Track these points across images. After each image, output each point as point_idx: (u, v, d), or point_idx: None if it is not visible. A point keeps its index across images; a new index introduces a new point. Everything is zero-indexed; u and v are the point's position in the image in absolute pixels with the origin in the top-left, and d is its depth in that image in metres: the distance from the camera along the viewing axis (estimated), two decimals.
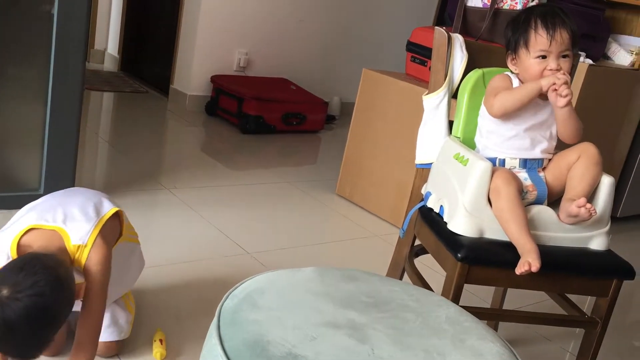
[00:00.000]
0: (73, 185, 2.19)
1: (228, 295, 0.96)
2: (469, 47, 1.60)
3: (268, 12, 3.95)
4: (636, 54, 2.95)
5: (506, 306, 1.98)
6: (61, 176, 2.15)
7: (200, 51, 3.79)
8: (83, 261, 1.24)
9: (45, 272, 1.09)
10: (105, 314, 1.31)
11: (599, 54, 2.92)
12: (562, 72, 1.34)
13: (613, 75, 2.85)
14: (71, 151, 2.15)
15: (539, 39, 1.35)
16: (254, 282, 1.01)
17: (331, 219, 2.70)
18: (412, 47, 2.80)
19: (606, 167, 3.25)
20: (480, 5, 2.65)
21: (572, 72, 1.67)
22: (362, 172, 2.80)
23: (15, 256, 1.21)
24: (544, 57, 1.36)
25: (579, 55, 1.68)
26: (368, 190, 2.77)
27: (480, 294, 2.08)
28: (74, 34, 2.02)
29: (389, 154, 2.68)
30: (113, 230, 1.35)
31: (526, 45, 1.37)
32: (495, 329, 1.85)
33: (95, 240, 1.25)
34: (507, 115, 1.39)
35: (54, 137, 2.10)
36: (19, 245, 1.22)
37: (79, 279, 1.24)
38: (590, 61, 2.72)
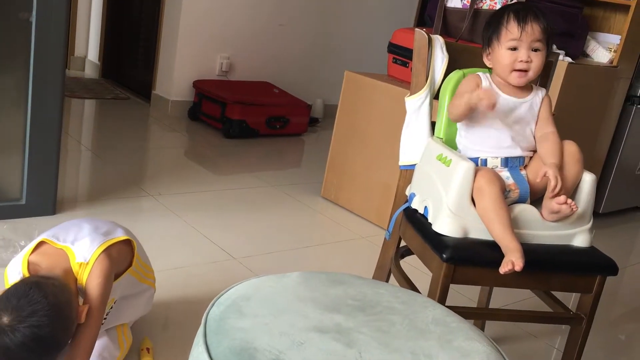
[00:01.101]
0: (56, 194, 2.17)
1: (214, 303, 0.96)
2: (449, 48, 1.61)
3: (249, 16, 3.94)
4: (614, 51, 2.99)
5: (493, 304, 1.99)
6: (43, 185, 2.13)
7: (182, 56, 3.78)
8: (84, 279, 1.25)
9: (45, 302, 1.10)
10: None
11: (578, 52, 2.95)
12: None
13: (592, 73, 2.89)
14: (53, 160, 2.13)
15: (510, 29, 1.38)
16: (239, 288, 1.01)
17: (317, 221, 2.70)
18: (393, 48, 2.81)
19: (587, 164, 3.29)
20: (459, 5, 2.67)
21: (551, 73, 1.69)
22: (347, 174, 2.80)
23: (25, 272, 1.24)
24: (515, 48, 1.38)
25: (558, 54, 1.69)
26: (353, 192, 2.77)
27: (467, 293, 2.09)
28: (53, 41, 2.00)
29: (374, 156, 2.68)
30: (120, 256, 1.34)
31: (498, 37, 1.40)
32: (482, 327, 1.86)
33: (97, 258, 1.26)
34: (464, 120, 1.43)
35: (35, 145, 2.08)
36: (29, 262, 1.24)
37: (82, 300, 1.25)
38: (569, 59, 2.75)
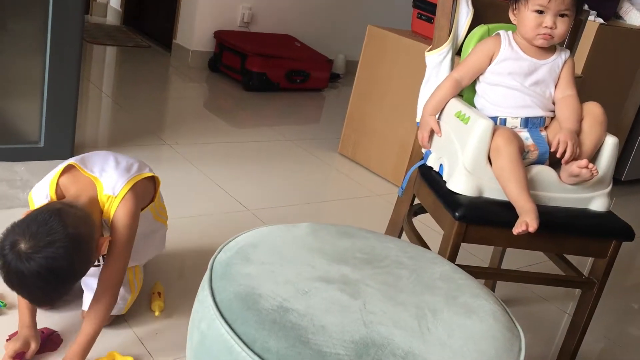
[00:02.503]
0: (73, 138, 2.19)
1: (221, 249, 0.96)
2: (475, 2, 1.56)
3: None
4: None
5: (505, 266, 1.98)
6: (61, 129, 2.14)
7: (204, 6, 3.72)
8: (112, 213, 1.25)
9: (64, 232, 1.08)
10: None
11: (611, 13, 2.84)
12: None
13: (624, 35, 2.79)
14: (71, 103, 2.14)
15: None
16: (247, 236, 1.01)
17: (333, 177, 2.69)
18: (418, 3, 2.73)
19: (612, 128, 3.21)
20: None
21: (579, 33, 1.63)
22: (365, 131, 2.77)
23: (53, 195, 1.23)
24: (541, 12, 1.33)
25: (588, 12, 1.63)
26: (370, 150, 2.75)
27: (479, 254, 2.08)
28: None
29: (393, 113, 2.65)
30: (145, 192, 1.35)
31: None
32: (493, 288, 1.85)
33: (125, 194, 1.25)
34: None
35: (54, 89, 2.08)
36: (57, 185, 1.24)
37: (105, 233, 1.25)
38: (601, 20, 2.66)
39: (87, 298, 1.36)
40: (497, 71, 1.39)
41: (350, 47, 4.24)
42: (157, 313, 1.47)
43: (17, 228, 1.08)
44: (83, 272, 1.17)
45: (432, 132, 1.47)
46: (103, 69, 3.70)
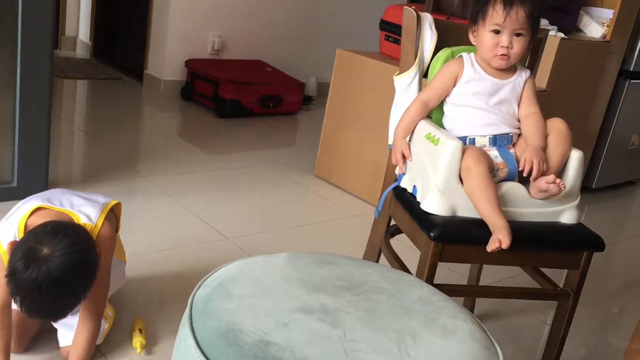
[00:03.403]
0: (47, 176, 2.18)
1: (200, 285, 0.97)
2: (438, 26, 1.60)
3: None
4: (607, 25, 2.97)
5: (484, 281, 2.01)
6: (34, 167, 2.12)
7: (173, 35, 3.74)
8: (94, 239, 1.28)
9: (78, 234, 1.17)
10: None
11: (571, 27, 2.93)
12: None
13: (585, 48, 2.87)
14: (44, 141, 2.13)
15: (495, 13, 1.37)
16: (226, 270, 1.02)
17: (310, 200, 2.71)
18: (385, 25, 2.79)
19: (580, 139, 3.28)
20: None
21: (539, 51, 1.68)
22: (340, 153, 2.80)
23: (21, 236, 1.24)
24: (498, 31, 1.38)
25: (547, 31, 1.68)
26: (346, 171, 2.78)
27: (458, 270, 2.11)
28: (40, 20, 1.98)
29: (366, 134, 2.68)
30: (112, 223, 1.37)
31: (483, 18, 1.39)
32: (473, 303, 1.88)
33: (103, 222, 1.30)
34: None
35: (25, 127, 2.07)
36: (26, 226, 1.24)
37: None
38: (562, 35, 2.74)
39: (63, 334, 1.38)
40: (462, 92, 1.43)
41: (322, 70, 4.29)
42: (139, 350, 1.46)
43: (29, 240, 1.13)
44: (96, 271, 1.20)
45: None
46: (75, 104, 3.69)
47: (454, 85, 1.44)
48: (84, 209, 1.29)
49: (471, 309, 1.87)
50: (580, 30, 3.04)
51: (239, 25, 3.98)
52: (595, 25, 2.99)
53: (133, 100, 3.76)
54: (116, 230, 1.41)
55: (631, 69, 3.15)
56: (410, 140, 1.52)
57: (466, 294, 1.41)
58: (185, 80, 3.81)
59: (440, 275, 1.82)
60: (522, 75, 1.45)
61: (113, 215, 1.39)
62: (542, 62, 2.68)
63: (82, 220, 1.27)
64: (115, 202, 1.37)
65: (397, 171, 1.58)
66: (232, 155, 3.08)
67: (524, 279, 1.68)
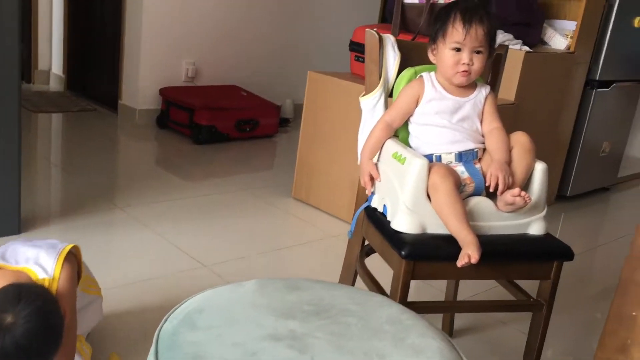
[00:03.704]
0: (19, 214, 2.16)
1: (166, 319, 0.96)
2: (401, 46, 1.63)
3: (212, 20, 3.93)
4: (571, 37, 3.04)
5: (462, 295, 2.02)
6: (6, 204, 2.11)
7: (146, 64, 3.75)
8: (54, 291, 1.27)
9: (40, 296, 1.15)
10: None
11: (536, 40, 3.00)
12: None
13: (550, 60, 2.93)
14: (14, 178, 2.11)
15: (455, 31, 1.40)
16: (193, 301, 1.02)
17: (288, 223, 2.71)
18: (354, 46, 2.82)
19: (552, 148, 3.34)
20: (416, 0, 2.69)
21: (501, 64, 1.71)
22: (316, 174, 2.82)
23: None
24: (458, 49, 1.41)
25: (507, 47, 1.72)
26: (323, 191, 2.79)
27: (436, 285, 2.12)
28: (5, 53, 1.97)
29: (341, 154, 2.70)
30: (73, 266, 1.36)
31: (444, 36, 1.42)
32: (452, 317, 1.89)
33: (61, 271, 1.28)
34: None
35: None
36: None
37: None
38: (527, 48, 2.80)
39: None
40: (425, 112, 1.46)
41: (298, 91, 4.31)
42: None
43: None
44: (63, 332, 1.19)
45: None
46: (49, 138, 3.67)
47: (417, 105, 1.46)
48: (40, 261, 1.28)
49: (450, 323, 1.88)
50: (545, 43, 3.10)
51: (212, 52, 4.00)
52: (559, 38, 3.06)
53: (108, 131, 3.76)
54: (79, 272, 1.40)
55: (597, 78, 3.22)
56: (378, 160, 1.54)
57: (439, 311, 1.43)
58: (160, 108, 3.81)
59: (419, 292, 1.83)
60: (482, 92, 1.48)
61: (73, 258, 1.38)
62: (509, 76, 2.74)
63: (39, 275, 1.26)
64: (71, 245, 1.36)
65: (367, 192, 1.60)
66: (209, 181, 3.08)
67: (501, 292, 1.70)
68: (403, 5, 2.72)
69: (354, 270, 1.74)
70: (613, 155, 3.57)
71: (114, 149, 3.52)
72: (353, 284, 1.73)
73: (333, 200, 2.75)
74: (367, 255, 1.67)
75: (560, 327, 2.05)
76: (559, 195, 3.40)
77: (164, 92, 3.76)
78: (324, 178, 2.78)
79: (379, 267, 1.67)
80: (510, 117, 2.71)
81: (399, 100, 1.49)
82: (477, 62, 1.42)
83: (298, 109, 4.30)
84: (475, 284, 2.14)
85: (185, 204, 2.69)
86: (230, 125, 3.69)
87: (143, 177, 2.99)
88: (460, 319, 1.99)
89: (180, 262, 2.15)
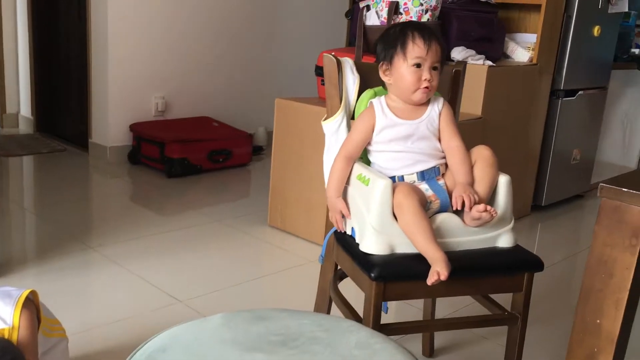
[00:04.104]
0: None
1: None
2: (359, 68, 1.64)
3: (179, 53, 3.94)
4: (532, 49, 3.09)
5: (442, 312, 2.01)
6: None
7: (115, 101, 3.74)
8: (15, 340, 1.24)
9: (8, 351, 1.13)
10: None
11: (498, 55, 3.04)
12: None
13: (513, 73, 2.98)
14: None
15: (417, 47, 1.41)
16: (156, 340, 0.99)
17: (264, 251, 2.69)
18: (320, 71, 2.84)
19: (523, 160, 3.36)
20: (378, 23, 2.73)
21: (460, 80, 1.73)
22: (290, 200, 2.80)
23: None
24: (419, 65, 1.42)
25: (464, 64, 1.74)
26: (298, 217, 2.78)
27: (417, 304, 2.10)
28: None
29: (314, 178, 2.69)
30: (32, 311, 1.32)
31: (404, 53, 1.42)
32: (432, 337, 1.87)
33: (20, 318, 1.25)
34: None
35: None
36: None
37: None
38: (490, 62, 2.84)
39: None
40: (379, 140, 1.46)
41: (269, 119, 4.28)
42: None
43: None
44: None
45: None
46: (21, 182, 3.61)
47: (372, 133, 1.46)
48: None
49: (431, 342, 1.87)
50: (508, 57, 3.15)
51: (181, 85, 4.00)
52: (522, 50, 3.11)
53: (80, 170, 3.71)
54: (38, 317, 1.36)
55: (562, 88, 3.27)
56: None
57: (413, 331, 1.41)
58: (132, 144, 3.79)
59: (399, 312, 1.82)
60: (436, 108, 1.48)
61: (31, 303, 1.34)
62: (474, 91, 2.77)
63: None
64: (28, 291, 1.32)
65: (339, 229, 1.58)
66: (183, 214, 3.05)
67: (480, 307, 1.69)
68: (365, 28, 2.75)
69: (329, 297, 1.72)
70: (584, 162, 3.62)
71: (86, 188, 3.47)
72: (329, 310, 1.71)
73: (309, 226, 2.73)
74: (341, 279, 1.66)
75: (540, 338, 2.05)
76: (535, 205, 3.43)
77: (134, 128, 3.74)
78: (298, 204, 2.77)
79: (355, 290, 1.65)
80: (478, 131, 2.74)
81: (354, 133, 1.49)
82: (435, 79, 1.43)
83: (271, 136, 4.29)
84: (454, 302, 2.12)
85: (159, 239, 2.66)
86: (202, 157, 3.67)
87: (117, 215, 2.95)
88: (442, 337, 1.97)
89: (155, 299, 2.11)
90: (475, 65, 2.78)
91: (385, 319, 1.39)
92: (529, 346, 2.01)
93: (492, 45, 2.98)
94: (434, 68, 1.43)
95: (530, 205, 3.39)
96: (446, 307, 2.07)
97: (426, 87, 1.43)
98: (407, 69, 1.43)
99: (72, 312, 1.98)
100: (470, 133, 2.59)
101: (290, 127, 2.77)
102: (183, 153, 3.57)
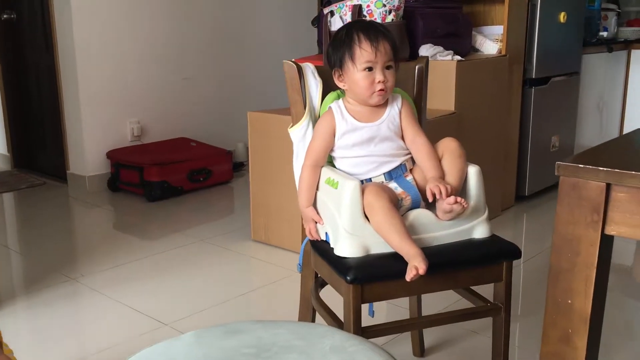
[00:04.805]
0: None
1: None
2: (321, 72, 1.63)
3: (150, 76, 3.92)
4: (500, 41, 3.10)
5: (431, 309, 1.99)
6: None
7: (90, 130, 3.70)
8: None
9: None
10: None
11: (467, 49, 3.05)
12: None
13: (483, 65, 2.98)
14: None
15: (364, 51, 1.39)
16: None
17: (250, 267, 2.66)
18: None
19: (502, 151, 3.33)
20: None
21: (424, 76, 1.72)
22: (272, 212, 2.78)
23: None
24: (370, 69, 1.40)
25: (426, 59, 1.73)
26: (281, 229, 2.75)
27: (403, 304, 2.08)
28: None
29: (292, 189, 2.65)
30: None
31: (352, 59, 1.40)
32: (421, 336, 1.85)
33: None
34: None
35: None
36: None
37: None
38: (459, 57, 2.84)
39: None
40: (342, 146, 1.44)
41: (248, 134, 4.30)
42: None
43: None
44: None
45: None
46: (2, 219, 3.56)
47: (334, 137, 1.45)
48: None
49: (420, 341, 1.84)
50: (477, 50, 3.16)
51: (156, 108, 3.98)
52: (490, 43, 3.12)
53: (60, 203, 3.67)
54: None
55: (534, 76, 3.28)
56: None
57: (394, 331, 1.39)
58: (110, 171, 3.75)
59: (385, 314, 1.79)
60: (395, 107, 1.46)
61: None
62: (445, 87, 2.77)
63: None
64: None
65: (313, 238, 1.56)
66: (166, 237, 3.01)
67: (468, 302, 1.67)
68: (330, 34, 2.74)
69: (312, 305, 1.69)
70: (564, 148, 3.63)
71: (67, 220, 3.43)
72: (313, 319, 1.69)
73: (293, 236, 2.71)
74: (322, 287, 1.63)
75: (530, 328, 2.03)
76: (518, 196, 3.42)
77: (111, 155, 3.70)
78: (280, 215, 2.74)
79: (338, 296, 1.63)
80: (453, 127, 2.74)
81: (316, 139, 1.47)
82: (391, 78, 1.42)
83: None
84: (441, 301, 2.11)
85: (142, 264, 2.62)
86: (182, 178, 3.65)
87: (99, 244, 2.91)
88: (432, 336, 1.95)
89: (140, 325, 2.07)
90: (444, 62, 2.78)
91: (372, 322, 1.37)
92: (520, 337, 2.00)
93: (459, 40, 2.99)
94: (388, 67, 1.41)
95: (514, 196, 3.39)
96: (435, 306, 2.04)
97: (381, 90, 1.41)
98: (359, 73, 1.41)
99: (59, 344, 1.94)
100: (445, 129, 2.59)
101: (265, 140, 2.75)
102: (162, 176, 3.54)
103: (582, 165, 0.81)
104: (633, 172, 0.77)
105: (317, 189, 1.51)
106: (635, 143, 0.95)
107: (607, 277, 0.91)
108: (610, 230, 0.83)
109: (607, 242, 0.85)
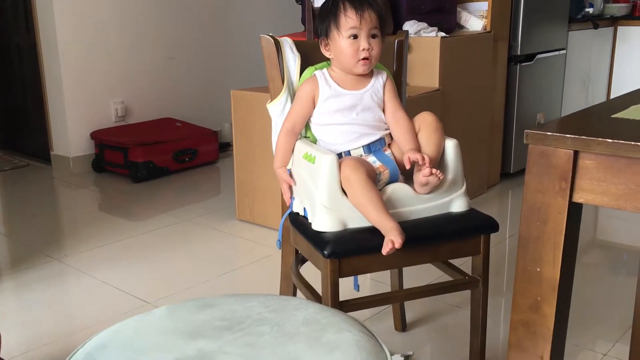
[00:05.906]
0: None
1: None
2: (300, 47, 1.61)
3: (133, 55, 3.87)
4: (485, 17, 3.08)
5: (412, 283, 1.99)
6: None
7: (73, 111, 3.67)
8: None
9: None
10: None
11: (452, 25, 3.03)
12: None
13: (468, 42, 2.97)
14: None
15: (349, 19, 1.39)
16: (96, 338, 0.96)
17: (234, 245, 2.66)
18: None
19: (487, 128, 3.32)
20: None
21: (404, 50, 1.71)
22: (256, 191, 2.77)
23: None
24: (355, 36, 1.39)
25: (406, 33, 1.71)
26: (266, 207, 2.75)
27: (385, 280, 2.09)
28: None
29: None
30: None
31: (337, 27, 1.40)
32: (402, 311, 1.86)
33: None
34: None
35: None
36: None
37: None
38: (443, 34, 2.82)
39: None
40: (324, 111, 1.44)
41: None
42: None
43: None
44: None
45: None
46: None
47: (315, 106, 1.44)
48: None
49: (402, 316, 1.85)
50: (462, 27, 3.14)
51: (140, 88, 3.94)
52: (475, 19, 3.10)
53: (44, 184, 3.64)
54: None
55: (519, 54, 3.27)
56: (292, 165, 1.51)
57: (371, 305, 1.39)
58: (94, 152, 3.72)
59: (368, 288, 1.80)
60: (380, 79, 1.46)
61: None
62: (429, 63, 2.76)
63: None
64: None
65: (286, 200, 1.56)
66: (152, 217, 3.00)
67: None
68: (313, 10, 2.71)
69: (292, 281, 1.70)
70: None
71: (52, 201, 3.41)
72: (294, 295, 1.69)
73: (277, 215, 2.70)
74: (302, 263, 1.63)
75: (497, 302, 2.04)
76: (504, 173, 3.43)
77: (95, 136, 3.67)
78: (265, 194, 2.74)
79: (317, 272, 1.63)
80: (437, 103, 2.73)
81: (295, 104, 1.47)
82: (376, 47, 1.41)
83: None
84: (424, 276, 2.12)
85: (127, 244, 2.61)
86: (168, 159, 3.62)
87: (84, 225, 2.89)
88: (414, 311, 1.97)
89: (124, 304, 2.07)
90: (428, 38, 2.76)
91: (350, 297, 1.38)
92: (505, 312, 2.01)
93: (444, 17, 2.97)
94: (373, 36, 1.41)
95: (500, 173, 3.40)
96: (418, 283, 2.05)
97: (366, 59, 1.40)
98: (344, 41, 1.41)
99: (44, 323, 1.94)
100: (429, 105, 2.58)
101: (249, 118, 2.73)
102: (147, 156, 3.51)
103: (549, 133, 0.81)
104: (600, 139, 0.77)
105: (292, 164, 1.50)
106: (604, 113, 0.94)
107: (576, 245, 0.91)
108: (578, 197, 0.83)
109: (575, 210, 0.85)
